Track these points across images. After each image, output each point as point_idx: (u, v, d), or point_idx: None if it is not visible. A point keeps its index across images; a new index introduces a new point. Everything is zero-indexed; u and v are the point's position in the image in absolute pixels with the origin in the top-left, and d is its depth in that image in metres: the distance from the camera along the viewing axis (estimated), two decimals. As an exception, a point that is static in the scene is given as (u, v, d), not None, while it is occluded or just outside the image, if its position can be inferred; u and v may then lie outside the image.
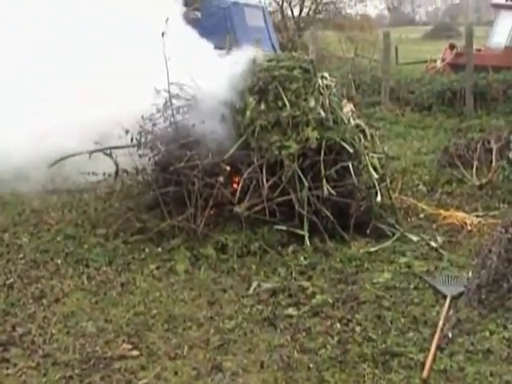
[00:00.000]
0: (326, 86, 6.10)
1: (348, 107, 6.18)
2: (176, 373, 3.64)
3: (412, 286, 4.67)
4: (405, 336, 3.95)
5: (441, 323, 4.00)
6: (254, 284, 4.75)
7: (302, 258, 5.20)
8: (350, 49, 22.53)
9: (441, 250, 5.38)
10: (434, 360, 3.63)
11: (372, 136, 6.28)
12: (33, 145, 5.50)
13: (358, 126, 6.15)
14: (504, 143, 7.75)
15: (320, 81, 6.06)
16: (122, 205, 6.03)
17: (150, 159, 5.88)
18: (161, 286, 4.81)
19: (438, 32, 39.85)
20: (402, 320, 4.15)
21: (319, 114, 5.82)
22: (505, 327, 4.01)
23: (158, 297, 4.60)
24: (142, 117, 5.75)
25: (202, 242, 5.41)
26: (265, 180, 5.54)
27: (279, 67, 6.03)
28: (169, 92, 5.82)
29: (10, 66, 5.82)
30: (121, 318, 4.28)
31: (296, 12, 28.07)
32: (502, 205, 6.57)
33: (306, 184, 5.53)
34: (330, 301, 4.43)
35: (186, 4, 9.47)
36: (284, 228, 5.49)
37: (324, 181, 5.56)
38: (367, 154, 5.97)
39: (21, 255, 5.39)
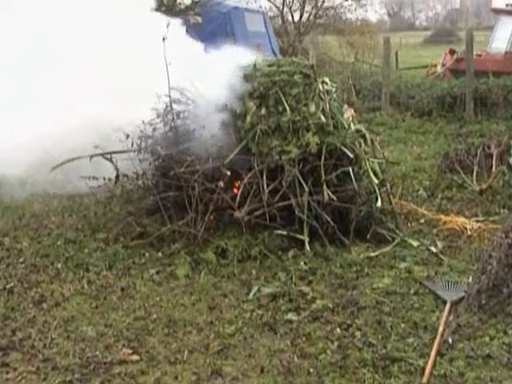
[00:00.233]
0: (327, 91, 6.11)
1: (349, 113, 6.18)
2: (176, 377, 3.65)
3: (412, 292, 4.67)
4: (405, 341, 3.95)
5: (441, 328, 3.99)
6: (254, 289, 4.75)
7: (302, 263, 5.20)
8: (350, 54, 22.53)
9: (441, 255, 5.38)
10: (434, 365, 3.63)
11: (372, 141, 6.29)
12: (33, 148, 5.50)
13: (358, 131, 6.16)
14: (504, 148, 7.76)
15: (320, 86, 6.07)
16: (123, 209, 6.03)
17: (150, 164, 5.88)
18: (161, 290, 4.81)
19: (438, 37, 39.93)
20: (402, 325, 4.15)
21: (320, 119, 5.83)
22: (505, 332, 4.01)
23: (158, 301, 4.60)
24: (143, 122, 5.75)
25: (202, 246, 5.41)
26: (265, 185, 5.54)
27: (280, 72, 6.05)
28: (169, 96, 5.82)
29: (10, 66, 5.82)
30: (121, 322, 4.29)
31: (296, 17, 28.09)
32: (502, 210, 6.57)
33: (307, 189, 5.54)
34: (330, 306, 4.44)
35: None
36: (284, 233, 5.49)
37: (324, 186, 5.56)
38: (367, 159, 5.98)
39: (21, 259, 5.40)
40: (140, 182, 5.94)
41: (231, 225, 5.63)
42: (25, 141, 5.50)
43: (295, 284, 4.84)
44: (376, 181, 5.91)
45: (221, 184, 5.55)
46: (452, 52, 17.79)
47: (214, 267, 5.17)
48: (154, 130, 5.83)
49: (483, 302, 4.26)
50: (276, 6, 28.01)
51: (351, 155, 5.74)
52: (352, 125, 6.02)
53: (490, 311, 4.21)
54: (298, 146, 5.68)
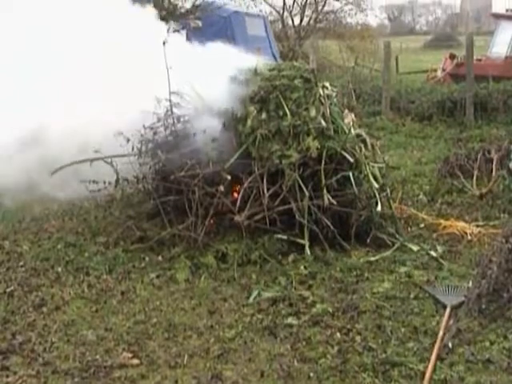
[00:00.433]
0: (327, 95, 6.12)
1: (349, 117, 6.19)
2: (176, 382, 3.64)
3: (412, 296, 4.67)
4: (405, 346, 3.95)
5: (441, 333, 3.99)
6: (255, 293, 4.75)
7: (302, 268, 5.20)
8: (350, 58, 22.55)
9: (441, 260, 5.38)
10: (434, 370, 3.62)
11: (372, 146, 6.29)
12: (34, 151, 5.50)
13: (358, 135, 6.16)
14: (504, 153, 7.75)
15: (321, 90, 6.08)
16: (123, 213, 6.04)
17: (150, 168, 5.89)
18: (161, 294, 4.81)
19: (439, 42, 40.05)
20: (402, 330, 4.15)
21: (320, 123, 5.83)
22: (505, 337, 4.00)
23: (159, 305, 4.60)
24: (144, 126, 5.75)
25: (202, 250, 5.41)
26: (265, 189, 5.54)
27: (280, 76, 6.05)
28: (170, 100, 5.83)
29: (10, 66, 5.82)
30: (121, 326, 4.28)
31: (297, 21, 28.21)
32: (502, 214, 6.56)
33: (307, 193, 5.54)
34: (330, 310, 4.43)
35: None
36: (284, 237, 5.49)
37: (324, 190, 5.56)
38: (368, 164, 5.98)
39: (21, 263, 5.39)
40: (140, 185, 5.94)
41: (231, 229, 5.63)
42: (25, 141, 5.50)
43: (295, 288, 4.83)
44: (376, 185, 5.92)
45: (221, 188, 5.55)
46: (452, 57, 17.81)
47: (214, 271, 5.17)
48: (155, 133, 5.84)
49: (483, 306, 4.25)
50: (276, 11, 28.14)
51: (351, 160, 5.74)
52: (352, 129, 6.02)
53: (490, 316, 4.21)
54: (298, 151, 5.68)
